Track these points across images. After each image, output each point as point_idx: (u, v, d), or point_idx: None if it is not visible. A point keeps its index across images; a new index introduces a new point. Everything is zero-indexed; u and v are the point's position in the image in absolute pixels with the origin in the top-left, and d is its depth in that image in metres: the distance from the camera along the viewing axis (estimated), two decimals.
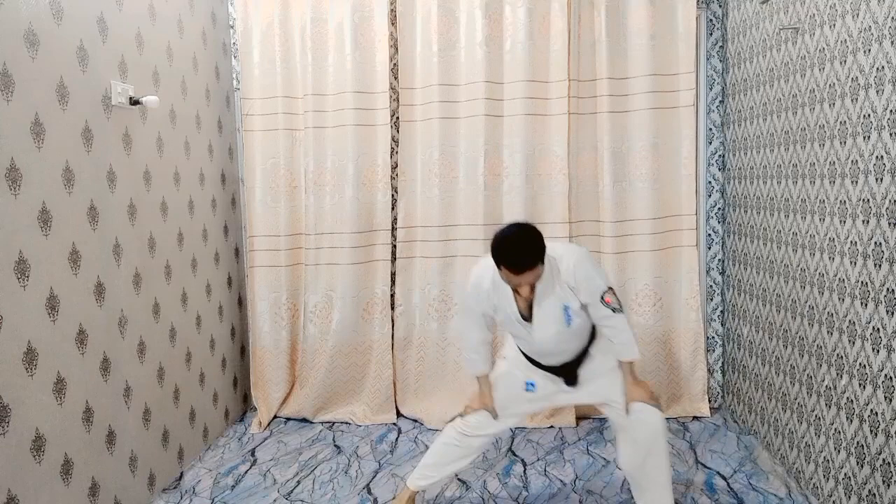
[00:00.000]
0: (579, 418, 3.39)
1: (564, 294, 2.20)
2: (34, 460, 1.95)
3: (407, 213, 3.46)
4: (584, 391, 2.40)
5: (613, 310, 2.23)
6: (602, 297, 2.21)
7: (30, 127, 1.98)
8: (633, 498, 2.46)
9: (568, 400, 2.48)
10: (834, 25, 2.28)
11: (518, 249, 2.04)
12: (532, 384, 2.39)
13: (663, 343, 3.43)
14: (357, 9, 3.34)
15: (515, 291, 2.19)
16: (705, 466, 2.86)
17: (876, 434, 2.09)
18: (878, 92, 2.03)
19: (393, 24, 3.41)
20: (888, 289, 2.00)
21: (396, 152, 3.48)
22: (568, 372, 2.36)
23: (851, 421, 2.23)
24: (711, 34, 3.39)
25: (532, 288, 2.15)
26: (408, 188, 3.45)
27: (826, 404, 2.40)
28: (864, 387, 2.14)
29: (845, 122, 2.22)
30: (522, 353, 2.41)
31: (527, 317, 2.23)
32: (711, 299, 3.51)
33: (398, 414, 3.50)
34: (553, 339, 2.26)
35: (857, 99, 2.15)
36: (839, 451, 2.31)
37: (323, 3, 3.35)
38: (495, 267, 2.11)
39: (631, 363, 2.32)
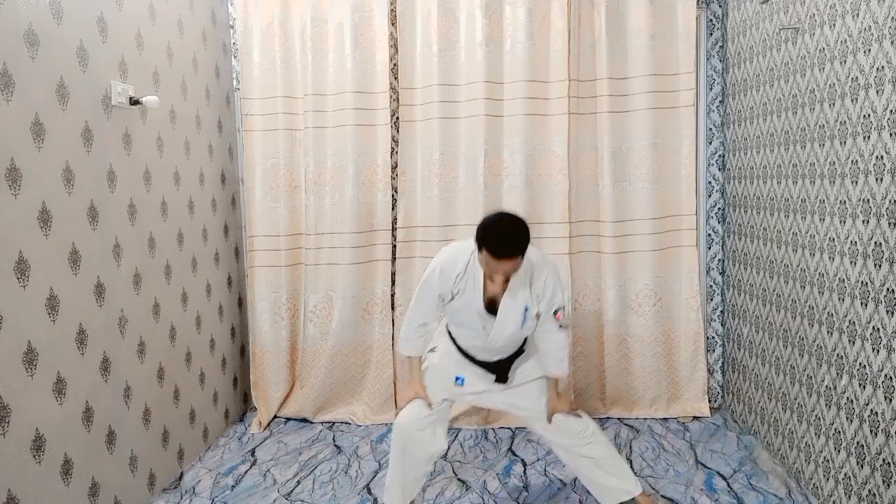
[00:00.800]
0: None
1: (530, 298, 2.27)
2: (34, 460, 1.95)
3: (407, 213, 3.45)
4: (510, 393, 2.41)
5: (560, 326, 2.36)
6: (555, 312, 2.33)
7: (30, 127, 1.98)
8: (633, 497, 2.47)
9: (492, 402, 2.47)
10: (834, 25, 2.28)
11: (506, 236, 2.07)
12: (461, 379, 2.40)
13: (663, 343, 3.43)
14: (357, 9, 3.34)
15: (487, 279, 2.21)
16: (705, 466, 2.86)
17: (876, 434, 2.09)
18: (878, 92, 2.03)
19: (393, 24, 3.41)
20: (888, 289, 2.00)
21: (396, 152, 3.48)
22: (500, 370, 2.38)
23: (851, 421, 2.23)
24: (711, 34, 3.39)
25: (505, 280, 2.18)
26: (408, 188, 3.45)
27: (826, 404, 2.40)
28: (864, 387, 2.14)
29: (845, 122, 2.22)
30: (457, 346, 2.42)
31: (489, 310, 2.26)
32: (711, 299, 3.51)
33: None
34: (505, 338, 2.30)
35: (857, 99, 2.15)
36: (839, 451, 2.32)
37: (323, 3, 3.35)
38: (472, 251, 2.19)
39: (556, 381, 2.44)
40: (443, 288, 2.30)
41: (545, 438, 2.47)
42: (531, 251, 2.17)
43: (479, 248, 2.11)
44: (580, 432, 2.37)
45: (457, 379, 2.41)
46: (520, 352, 2.43)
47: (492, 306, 2.26)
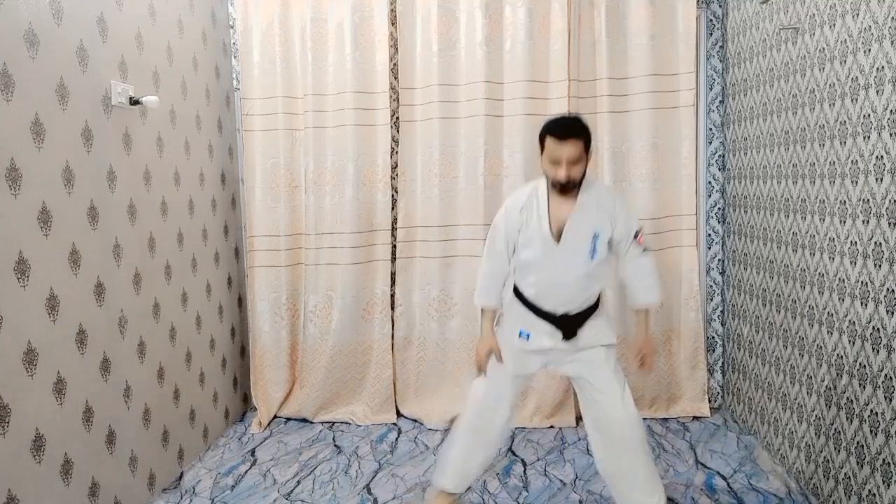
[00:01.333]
0: (579, 418, 3.39)
1: (601, 220, 2.22)
2: (34, 460, 1.95)
3: (407, 213, 3.46)
4: (577, 362, 2.31)
5: (644, 250, 2.29)
6: (636, 236, 2.27)
7: (30, 127, 1.98)
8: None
9: (557, 362, 2.35)
10: (834, 25, 2.28)
11: (567, 119, 2.18)
12: (526, 334, 2.31)
13: (663, 343, 3.43)
14: (357, 9, 3.34)
15: (552, 204, 2.21)
16: (705, 466, 2.86)
17: (876, 434, 2.09)
18: (878, 92, 2.03)
19: (393, 24, 3.41)
20: (888, 289, 2.00)
21: (396, 152, 3.48)
22: (568, 324, 2.28)
23: (851, 421, 2.23)
24: (711, 34, 3.39)
25: (572, 188, 2.18)
26: (408, 188, 3.45)
27: (826, 404, 2.40)
28: (864, 387, 2.14)
29: (845, 122, 2.22)
30: (524, 303, 2.32)
31: (556, 236, 2.22)
32: (711, 299, 3.51)
33: (398, 414, 3.50)
34: (571, 270, 2.22)
35: (857, 99, 2.15)
36: (839, 451, 2.31)
37: (323, 3, 3.35)
38: (534, 186, 2.28)
39: (647, 313, 2.36)
40: (508, 227, 2.28)
41: (591, 430, 2.35)
42: (600, 182, 2.17)
43: (542, 142, 2.18)
44: (626, 430, 2.24)
45: (520, 333, 2.32)
46: (590, 311, 2.31)
47: (559, 236, 2.22)
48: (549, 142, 2.14)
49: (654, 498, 2.30)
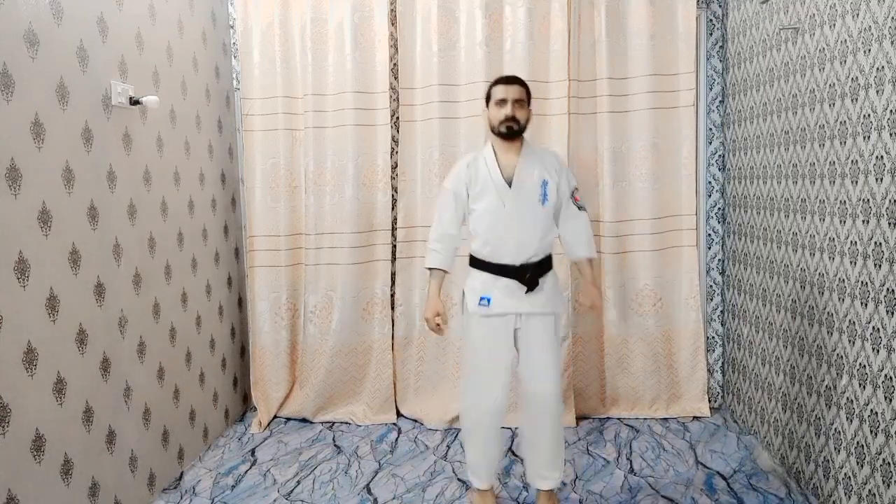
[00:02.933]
0: (579, 418, 3.40)
1: (548, 170, 2.40)
2: (34, 460, 1.95)
3: (407, 213, 3.46)
4: (531, 321, 2.38)
5: (580, 207, 2.46)
6: (573, 193, 2.44)
7: (30, 127, 1.98)
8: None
9: (519, 320, 2.40)
10: (834, 25, 2.28)
11: (509, 74, 2.52)
12: (486, 299, 2.39)
13: (663, 343, 3.43)
14: (357, 9, 3.34)
15: (499, 153, 2.39)
16: (705, 466, 2.86)
17: (876, 434, 2.09)
18: (878, 92, 2.03)
19: (393, 24, 3.41)
20: (888, 289, 2.00)
21: (396, 152, 3.48)
22: (529, 274, 2.36)
23: (851, 421, 2.23)
24: (711, 34, 3.39)
25: (516, 136, 2.37)
26: (408, 188, 3.45)
27: (826, 404, 2.40)
28: (864, 387, 2.14)
29: (845, 122, 2.22)
30: (483, 265, 2.41)
31: (507, 182, 2.36)
32: (711, 299, 3.51)
33: (398, 414, 3.50)
34: (526, 213, 2.35)
35: (857, 99, 2.15)
36: (839, 451, 2.31)
37: (323, 3, 3.35)
38: (478, 150, 2.49)
39: (590, 262, 2.49)
40: (456, 183, 2.43)
41: (525, 389, 2.45)
42: (540, 146, 2.45)
43: (488, 95, 2.43)
44: (544, 403, 2.39)
45: (481, 299, 2.39)
46: (546, 264, 2.42)
47: (508, 183, 2.36)
48: (496, 89, 2.39)
49: (555, 473, 2.47)
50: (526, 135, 2.36)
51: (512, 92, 2.36)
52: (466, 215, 2.44)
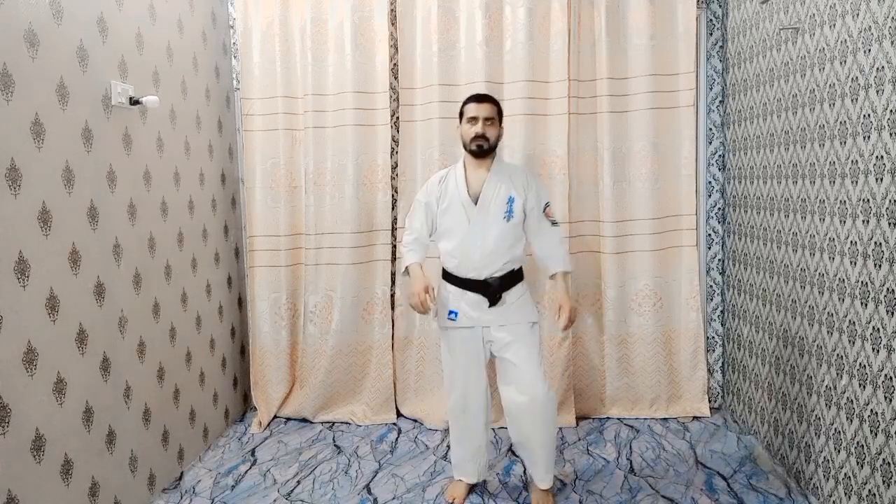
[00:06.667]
0: (579, 418, 3.40)
1: (515, 188, 2.46)
2: (34, 460, 1.95)
3: (407, 213, 3.45)
4: (502, 331, 2.44)
5: (553, 222, 2.52)
6: (545, 208, 2.50)
7: (30, 127, 1.98)
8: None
9: (486, 333, 2.48)
10: (834, 25, 2.28)
11: (481, 92, 2.63)
12: (454, 313, 2.48)
13: (663, 343, 3.43)
14: (357, 9, 3.34)
15: (468, 170, 2.48)
16: (705, 466, 2.86)
17: (876, 434, 2.09)
18: (878, 92, 2.03)
19: (393, 24, 3.41)
20: (888, 289, 2.00)
21: (396, 152, 3.48)
22: (492, 290, 2.44)
23: (851, 421, 2.23)
24: (711, 34, 3.39)
25: (489, 145, 2.44)
26: (408, 188, 3.45)
27: (826, 404, 2.40)
28: (864, 387, 2.14)
29: (845, 122, 2.22)
30: (450, 279, 2.51)
31: (473, 199, 2.45)
32: (711, 299, 3.51)
33: (398, 414, 3.50)
34: (490, 228, 2.42)
35: (857, 99, 2.15)
36: (839, 451, 2.32)
37: (323, 3, 3.35)
38: (453, 166, 2.57)
39: (565, 276, 2.51)
40: (428, 196, 2.54)
41: (505, 404, 2.49)
42: (512, 163, 2.50)
43: (461, 112, 2.50)
44: (535, 409, 2.41)
45: (450, 313, 2.50)
46: (512, 278, 2.47)
47: (475, 200, 2.45)
48: (468, 107, 2.47)
49: (549, 476, 2.52)
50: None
51: (483, 110, 2.44)
52: (434, 228, 2.55)
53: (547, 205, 2.51)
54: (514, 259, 2.49)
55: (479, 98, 2.49)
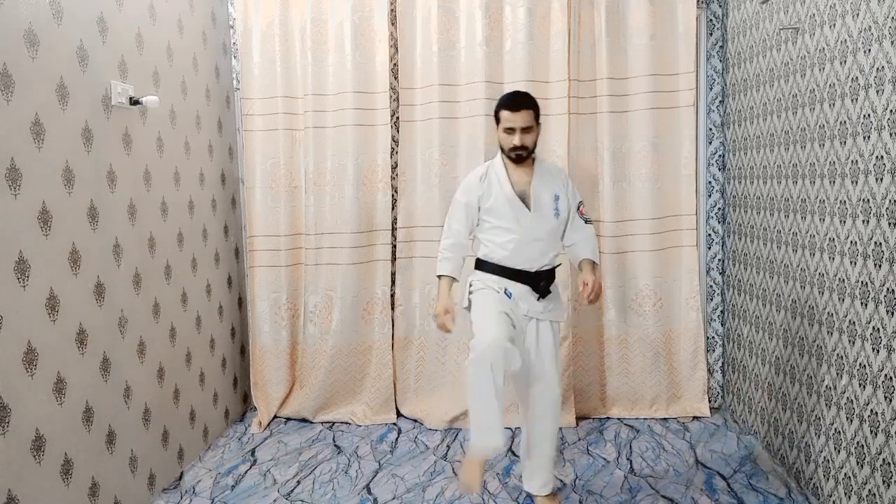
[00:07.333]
0: (579, 418, 3.40)
1: (559, 186, 2.50)
2: (34, 460, 1.95)
3: (407, 213, 3.45)
4: (532, 326, 2.46)
5: (586, 220, 2.56)
6: (578, 206, 2.54)
7: (30, 127, 1.98)
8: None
9: (528, 324, 2.46)
10: (834, 25, 2.28)
11: (517, 93, 2.47)
12: (509, 292, 2.45)
13: (663, 343, 3.43)
14: (357, 9, 3.34)
15: (510, 171, 2.44)
16: (705, 466, 2.86)
17: (876, 434, 2.09)
18: (878, 92, 2.03)
19: (393, 24, 3.41)
20: (888, 289, 2.00)
21: (396, 152, 3.48)
22: (539, 281, 2.45)
23: (851, 421, 2.23)
24: (711, 34, 3.39)
25: (528, 154, 2.42)
26: (408, 188, 3.45)
27: (826, 404, 2.40)
28: (864, 387, 2.14)
29: (845, 122, 2.22)
30: (495, 268, 2.46)
31: (520, 196, 2.44)
32: (711, 299, 3.51)
33: (398, 414, 3.50)
34: (544, 226, 2.44)
35: (857, 99, 2.15)
36: (839, 451, 2.32)
37: (323, 3, 3.35)
38: (489, 162, 2.53)
39: (593, 266, 2.53)
40: (469, 195, 2.49)
41: (520, 399, 2.52)
42: (548, 161, 2.54)
43: (497, 117, 2.44)
44: (546, 409, 2.45)
45: (506, 291, 2.45)
46: (554, 272, 2.51)
47: (522, 199, 2.44)
48: (504, 114, 2.40)
49: (551, 477, 2.53)
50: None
51: (519, 120, 2.38)
52: (476, 226, 2.52)
53: (581, 203, 2.56)
54: (559, 253, 2.55)
55: (514, 106, 2.39)
